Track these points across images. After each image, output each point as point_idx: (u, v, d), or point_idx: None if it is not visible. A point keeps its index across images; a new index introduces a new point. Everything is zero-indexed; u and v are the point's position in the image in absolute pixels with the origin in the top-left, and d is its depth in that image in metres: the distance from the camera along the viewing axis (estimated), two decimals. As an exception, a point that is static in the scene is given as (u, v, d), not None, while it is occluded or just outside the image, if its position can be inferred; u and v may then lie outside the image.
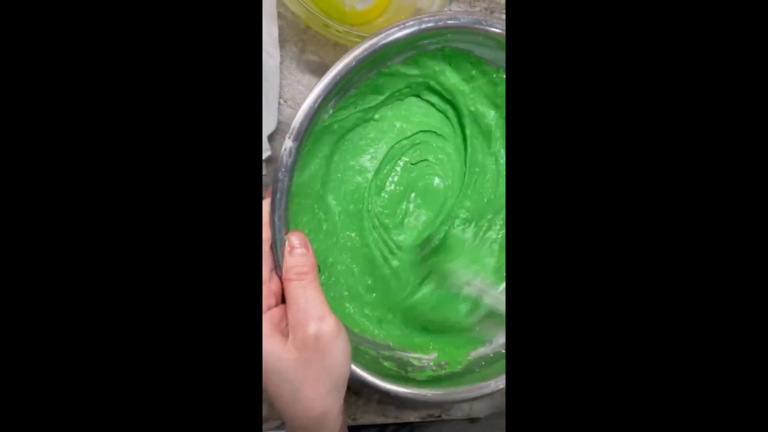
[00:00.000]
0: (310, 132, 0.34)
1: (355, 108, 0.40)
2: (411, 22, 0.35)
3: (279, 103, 0.43)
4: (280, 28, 0.42)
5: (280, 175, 0.33)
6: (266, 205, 0.33)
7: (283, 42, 0.42)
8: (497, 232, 0.45)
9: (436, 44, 0.38)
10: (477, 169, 0.44)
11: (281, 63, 0.42)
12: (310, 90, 0.34)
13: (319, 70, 0.44)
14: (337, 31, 0.38)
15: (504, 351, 0.43)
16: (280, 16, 0.42)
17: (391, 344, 0.43)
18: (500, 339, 0.44)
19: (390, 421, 0.48)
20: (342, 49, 0.43)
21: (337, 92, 0.35)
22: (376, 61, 0.37)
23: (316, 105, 0.34)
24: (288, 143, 0.33)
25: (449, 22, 0.35)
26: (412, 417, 0.48)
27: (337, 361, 0.31)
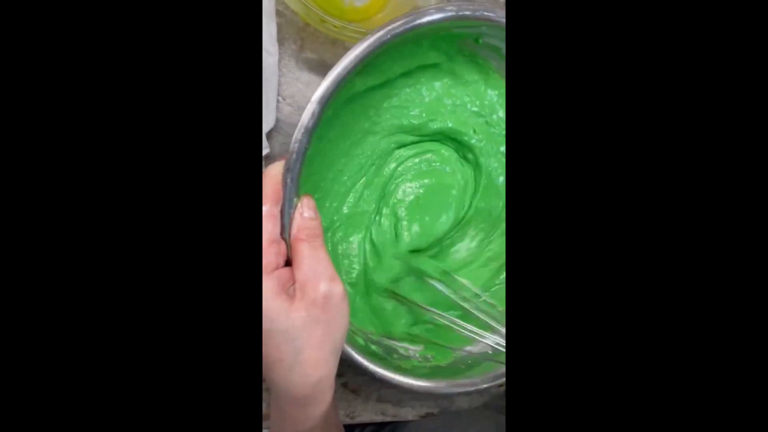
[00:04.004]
0: (333, 102, 0.34)
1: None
2: (450, 8, 0.35)
3: (278, 101, 0.43)
4: (279, 26, 0.42)
5: (299, 136, 0.32)
6: (279, 166, 0.33)
7: (281, 40, 0.43)
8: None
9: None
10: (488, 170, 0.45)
11: (280, 61, 0.42)
12: (316, 85, 0.33)
13: (318, 68, 0.44)
14: (334, 26, 0.38)
15: (491, 352, 0.43)
16: (278, 14, 0.42)
17: (380, 331, 0.43)
18: (488, 340, 0.44)
19: (388, 419, 0.48)
20: (341, 47, 0.43)
21: (364, 66, 0.35)
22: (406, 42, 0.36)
23: (345, 72, 0.33)
24: (312, 106, 0.32)
25: (486, 13, 0.36)
26: (410, 415, 0.48)
27: (341, 325, 0.31)
